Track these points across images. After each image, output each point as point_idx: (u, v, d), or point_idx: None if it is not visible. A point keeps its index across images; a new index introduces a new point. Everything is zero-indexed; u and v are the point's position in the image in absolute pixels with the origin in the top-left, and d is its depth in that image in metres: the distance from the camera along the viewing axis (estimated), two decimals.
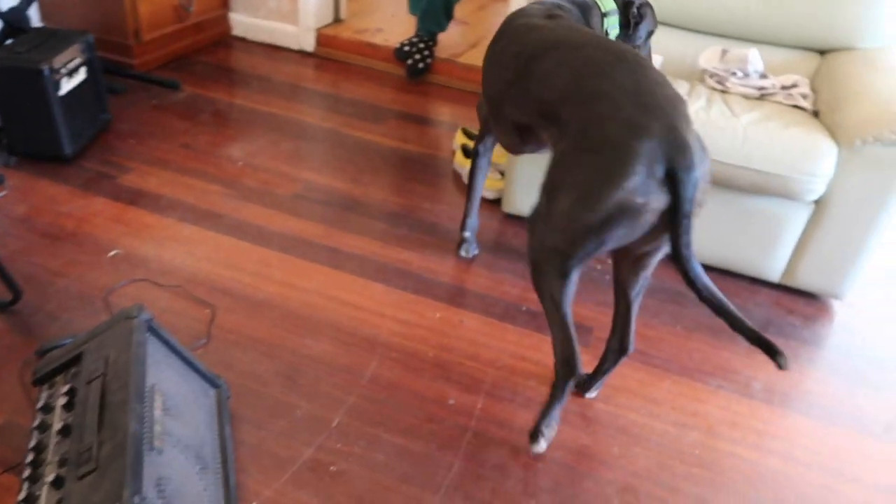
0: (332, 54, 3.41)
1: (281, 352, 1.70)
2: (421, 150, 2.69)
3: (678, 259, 1.24)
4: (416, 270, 2.04)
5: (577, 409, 1.64)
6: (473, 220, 2.11)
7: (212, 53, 3.31)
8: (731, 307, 1.26)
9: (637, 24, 1.83)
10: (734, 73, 2.23)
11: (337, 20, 3.55)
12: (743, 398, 1.72)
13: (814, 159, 1.84)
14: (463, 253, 2.12)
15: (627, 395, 1.69)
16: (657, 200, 1.21)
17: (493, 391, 1.66)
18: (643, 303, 2.00)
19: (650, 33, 1.91)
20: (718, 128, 1.90)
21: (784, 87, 2.19)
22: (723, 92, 2.19)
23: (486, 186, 2.38)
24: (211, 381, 1.48)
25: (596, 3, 1.79)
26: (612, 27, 1.80)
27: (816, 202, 1.95)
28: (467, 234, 2.11)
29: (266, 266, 1.98)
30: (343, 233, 2.16)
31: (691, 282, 1.25)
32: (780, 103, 2.13)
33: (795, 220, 1.98)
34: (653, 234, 1.28)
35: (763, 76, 2.24)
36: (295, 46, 3.45)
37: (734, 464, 1.54)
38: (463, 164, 2.50)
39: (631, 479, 1.48)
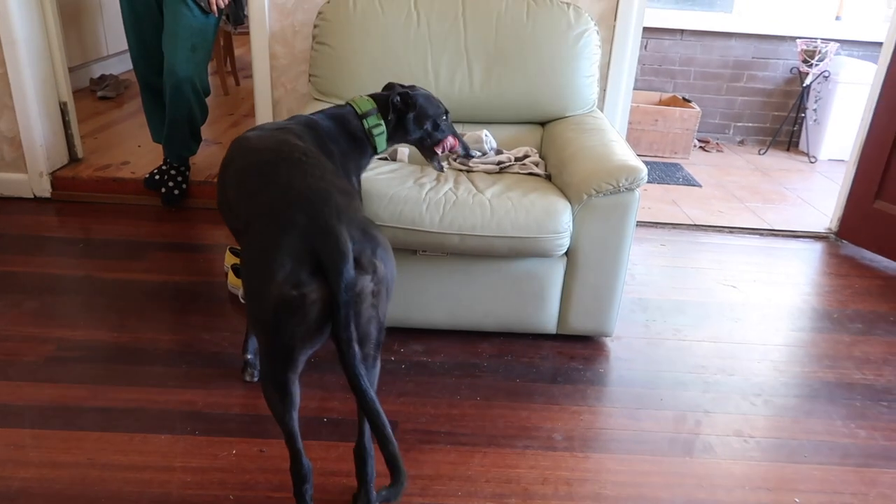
0: (75, 196, 3.16)
1: None
2: (191, 278, 2.55)
3: (339, 350, 1.18)
4: (202, 409, 1.88)
5: None
6: (254, 340, 2.02)
7: None
8: (382, 417, 1.22)
9: (402, 115, 1.87)
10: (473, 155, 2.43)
11: (74, 160, 3.31)
12: (548, 452, 1.79)
13: (554, 218, 2.03)
14: (248, 378, 2.00)
15: (442, 481, 1.67)
16: (314, 291, 1.18)
17: None
18: (443, 382, 2.03)
19: (433, 120, 1.91)
20: (468, 205, 2.04)
21: (518, 159, 2.42)
22: (468, 171, 2.37)
23: None
24: None
25: (352, 107, 1.83)
26: (375, 126, 1.83)
27: (567, 255, 2.15)
28: (249, 356, 2.01)
29: (18, 449, 1.71)
30: (113, 388, 1.95)
31: (348, 374, 1.19)
32: (517, 173, 2.36)
33: (555, 274, 2.17)
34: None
35: (499, 151, 2.46)
36: (28, 194, 3.15)
37: None
38: (236, 285, 2.40)
39: None
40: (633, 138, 4.24)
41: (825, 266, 3.01)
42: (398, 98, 1.87)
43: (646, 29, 4.47)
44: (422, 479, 1.67)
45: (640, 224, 3.29)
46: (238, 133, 4.00)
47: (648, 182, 3.85)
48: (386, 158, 2.46)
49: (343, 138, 1.78)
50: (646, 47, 4.54)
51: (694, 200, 3.61)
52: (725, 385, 2.12)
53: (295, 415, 1.36)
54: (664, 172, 4.02)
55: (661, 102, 4.53)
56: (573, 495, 1.65)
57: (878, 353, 2.34)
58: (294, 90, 2.98)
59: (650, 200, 3.58)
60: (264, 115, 3.02)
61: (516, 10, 2.54)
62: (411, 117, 1.90)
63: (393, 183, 2.11)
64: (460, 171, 2.38)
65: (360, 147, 1.83)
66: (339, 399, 1.95)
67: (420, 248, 2.11)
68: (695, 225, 3.31)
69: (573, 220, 2.08)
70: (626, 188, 2.06)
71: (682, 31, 4.51)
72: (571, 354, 2.23)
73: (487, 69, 2.52)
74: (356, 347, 1.19)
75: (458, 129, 2.56)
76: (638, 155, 4.32)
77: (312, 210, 1.22)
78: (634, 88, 4.61)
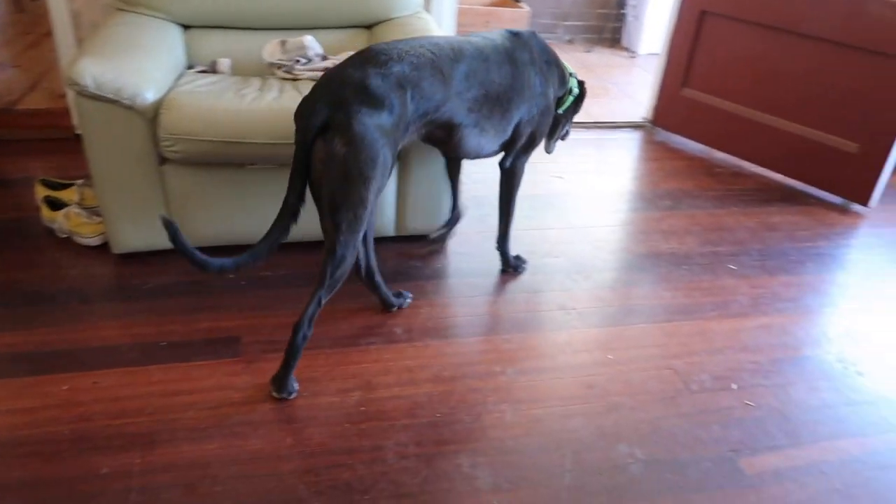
0: None
1: None
2: None
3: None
4: (25, 350, 1.78)
5: (242, 419, 1.62)
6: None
7: None
8: None
9: (579, 99, 2.22)
10: (298, 61, 2.36)
11: None
12: (390, 346, 1.89)
13: None
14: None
15: None
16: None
17: (150, 440, 1.55)
18: (286, 293, 2.05)
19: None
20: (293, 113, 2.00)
21: None
22: (294, 80, 2.31)
23: (86, 233, 2.18)
24: None
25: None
26: (570, 92, 2.16)
27: (399, 157, 2.18)
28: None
29: None
30: None
31: None
32: None
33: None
34: None
35: (324, 58, 2.41)
36: None
37: (396, 405, 1.69)
38: (52, 219, 2.24)
39: (310, 460, 1.53)
40: None
41: (642, 152, 3.27)
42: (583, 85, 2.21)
43: None
44: (266, 386, 1.71)
45: None
46: (39, 54, 3.59)
47: None
48: (205, 70, 2.34)
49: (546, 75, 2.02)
50: None
51: None
52: (551, 267, 2.30)
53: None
54: None
55: (492, 4, 4.57)
56: (414, 380, 1.77)
57: (682, 225, 2.62)
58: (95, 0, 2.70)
59: None
60: (63, 31, 2.73)
61: None
62: (580, 104, 2.20)
63: (212, 96, 2.02)
64: (285, 80, 2.31)
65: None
66: (178, 322, 1.91)
67: (248, 161, 2.06)
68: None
69: None
70: None
71: None
72: (411, 254, 2.31)
73: None
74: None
75: (280, 36, 2.48)
76: None
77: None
78: None
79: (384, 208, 2.24)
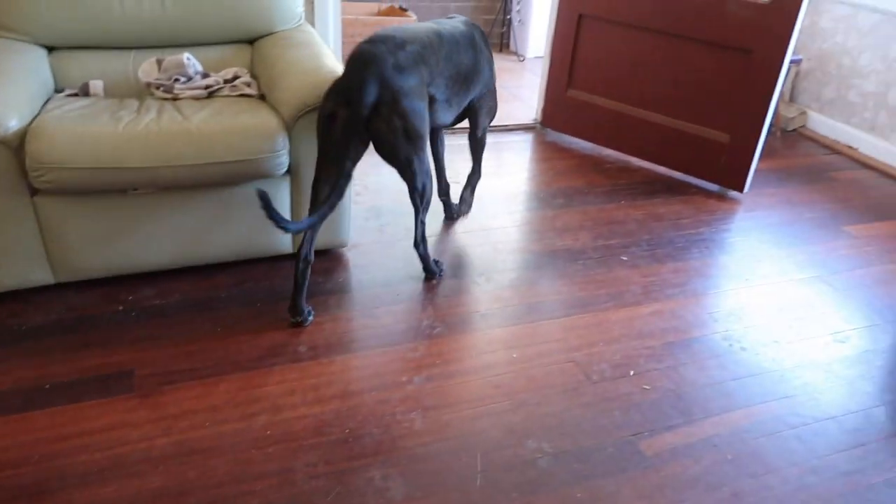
0: None
1: None
2: None
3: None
4: None
5: (140, 457, 1.54)
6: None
7: None
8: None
9: None
10: (177, 79, 2.27)
11: None
12: (295, 364, 1.85)
13: (269, 137, 2.01)
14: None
15: (187, 417, 1.65)
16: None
17: (37, 490, 1.45)
18: (180, 321, 1.97)
19: None
20: (174, 134, 1.93)
21: (227, 81, 2.33)
22: (174, 99, 2.22)
23: None
24: None
25: None
26: None
27: (290, 173, 2.15)
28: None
29: None
30: None
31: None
32: (228, 96, 2.27)
33: (281, 193, 2.16)
34: None
35: (205, 75, 2.34)
36: None
37: (303, 425, 1.66)
38: None
39: (215, 491, 1.47)
40: None
41: (534, 153, 3.37)
42: None
43: None
44: (165, 419, 1.64)
45: None
46: None
47: None
48: (76, 94, 2.21)
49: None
50: None
51: None
52: (451, 270, 2.33)
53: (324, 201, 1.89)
54: None
55: (380, 13, 4.59)
56: (321, 398, 1.74)
57: (575, 221, 2.72)
58: None
59: None
60: None
61: None
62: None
63: (83, 120, 1.92)
64: (165, 99, 2.22)
65: None
66: (63, 362, 1.80)
67: (130, 187, 1.96)
68: None
69: (290, 138, 2.08)
70: None
71: None
72: (313, 269, 2.27)
73: None
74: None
75: (158, 54, 2.38)
76: None
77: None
78: (353, 0, 4.60)
79: None
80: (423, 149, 1.96)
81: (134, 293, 2.09)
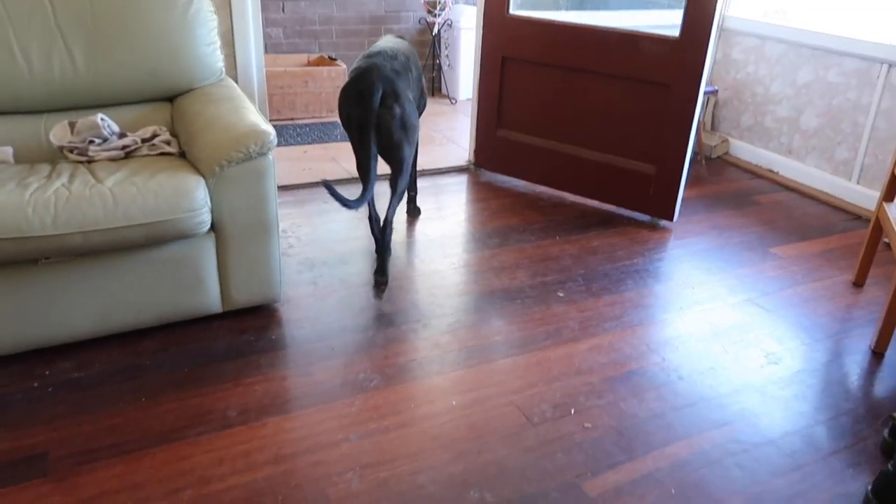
0: None
1: None
2: None
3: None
4: None
5: None
6: None
7: None
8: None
9: None
10: (92, 141, 2.20)
11: None
12: (224, 432, 1.76)
13: (187, 195, 1.95)
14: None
15: (107, 499, 1.55)
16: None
17: None
18: (101, 393, 1.86)
19: None
20: (86, 198, 1.85)
21: (146, 140, 2.26)
22: (89, 161, 2.15)
23: None
24: None
25: None
26: None
27: (214, 230, 2.09)
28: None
29: None
30: None
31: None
32: (147, 155, 2.21)
33: (205, 252, 2.10)
34: None
35: (122, 135, 2.27)
36: None
37: (233, 496, 1.57)
38: None
39: None
40: (286, 101, 4.25)
41: (469, 194, 3.39)
42: None
43: None
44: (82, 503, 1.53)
45: (302, 186, 3.34)
46: None
47: (308, 143, 3.92)
48: None
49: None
50: (283, 10, 4.53)
51: (352, 155, 3.75)
52: (388, 319, 2.29)
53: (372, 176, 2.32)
54: (322, 132, 4.12)
55: (309, 63, 4.60)
56: (252, 465, 1.66)
57: (511, 260, 2.72)
58: None
59: (310, 161, 3.65)
60: None
61: None
62: None
63: None
64: (79, 162, 2.15)
65: None
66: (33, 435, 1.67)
67: (40, 257, 1.87)
68: (355, 178, 3.46)
69: (210, 194, 2.03)
70: (257, 154, 2.06)
71: None
72: (242, 328, 2.20)
73: (90, 46, 2.28)
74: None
75: (72, 116, 2.31)
76: (293, 118, 4.36)
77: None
78: (281, 52, 4.61)
79: (207, 285, 2.13)
80: (412, 140, 2.42)
81: (51, 367, 1.98)
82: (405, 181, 2.46)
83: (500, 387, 1.99)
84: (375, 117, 2.28)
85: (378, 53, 2.41)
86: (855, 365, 2.17)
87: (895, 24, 3.20)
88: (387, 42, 2.64)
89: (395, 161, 2.40)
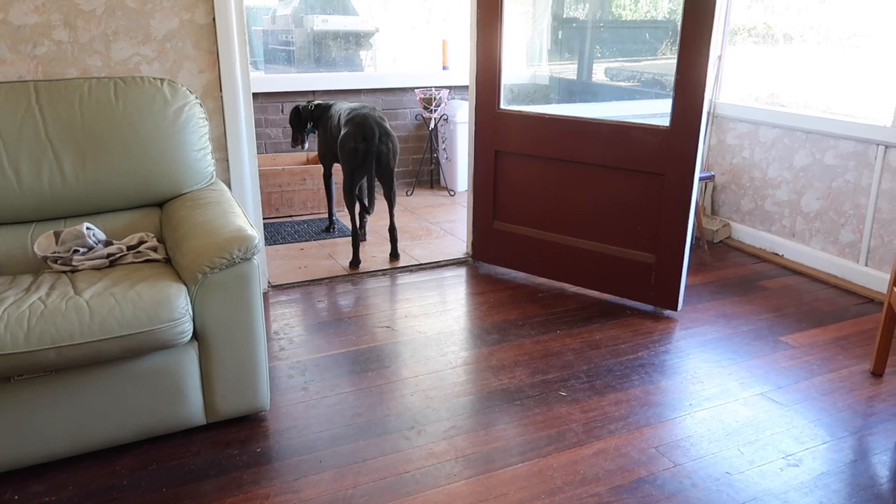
0: None
1: None
2: None
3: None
4: None
5: None
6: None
7: None
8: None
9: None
10: (77, 251, 2.17)
11: None
12: None
13: (167, 305, 1.89)
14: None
15: None
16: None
17: None
18: None
19: None
20: (61, 312, 1.79)
21: (131, 247, 2.23)
22: (73, 271, 2.11)
23: None
24: None
25: None
26: None
27: (196, 339, 2.02)
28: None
29: None
30: None
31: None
32: (132, 263, 2.17)
33: (188, 362, 2.01)
34: None
35: (109, 243, 2.24)
36: None
37: None
38: None
39: None
40: (284, 199, 4.27)
41: (468, 287, 3.32)
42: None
43: (278, 94, 4.58)
44: None
45: (298, 285, 3.29)
46: None
47: (304, 241, 3.90)
48: None
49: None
50: (282, 111, 4.64)
51: (349, 251, 3.72)
52: (380, 426, 2.17)
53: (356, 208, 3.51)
54: (319, 228, 4.11)
55: (308, 161, 4.65)
56: None
57: (510, 357, 2.62)
58: None
59: (306, 258, 3.62)
60: None
61: (101, 91, 2.36)
62: None
63: None
64: (63, 272, 2.11)
65: None
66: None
67: (13, 374, 1.79)
68: (350, 274, 3.41)
69: (192, 303, 1.97)
70: (241, 259, 2.01)
71: (314, 92, 4.71)
72: (226, 441, 2.09)
73: (80, 157, 2.29)
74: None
75: (60, 225, 2.30)
76: (292, 215, 4.35)
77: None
78: (279, 152, 4.68)
79: (189, 397, 2.03)
80: (395, 165, 3.42)
81: (20, 491, 1.86)
82: (394, 192, 3.48)
83: (500, 500, 1.84)
84: (376, 150, 3.27)
85: (362, 107, 3.42)
86: (882, 466, 2.02)
87: (888, 105, 3.20)
88: (350, 103, 3.57)
89: (388, 180, 3.41)
